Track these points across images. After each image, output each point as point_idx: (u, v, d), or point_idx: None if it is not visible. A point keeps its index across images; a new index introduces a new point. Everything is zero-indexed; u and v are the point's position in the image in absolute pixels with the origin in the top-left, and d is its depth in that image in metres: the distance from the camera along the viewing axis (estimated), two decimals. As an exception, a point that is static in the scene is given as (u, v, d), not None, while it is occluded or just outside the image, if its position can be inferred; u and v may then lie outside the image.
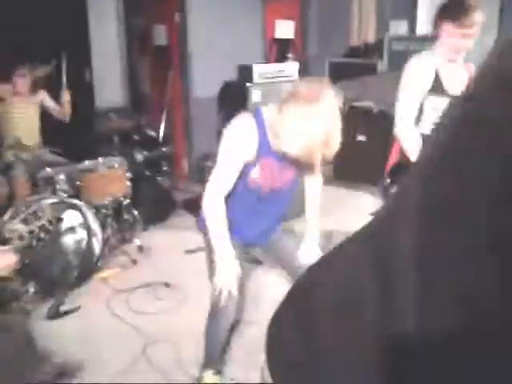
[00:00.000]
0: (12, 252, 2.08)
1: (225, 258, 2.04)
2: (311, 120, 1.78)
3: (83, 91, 4.79)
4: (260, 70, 4.97)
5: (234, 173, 2.04)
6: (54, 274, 3.37)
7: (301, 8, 6.79)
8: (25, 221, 3.18)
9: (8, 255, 2.04)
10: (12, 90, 4.02)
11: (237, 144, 2.01)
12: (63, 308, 3.13)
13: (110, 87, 5.19)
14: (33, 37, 4.17)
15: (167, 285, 3.54)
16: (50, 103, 4.25)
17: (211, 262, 2.19)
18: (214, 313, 2.22)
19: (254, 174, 2.09)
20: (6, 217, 3.30)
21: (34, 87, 4.16)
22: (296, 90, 1.85)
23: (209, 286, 2.28)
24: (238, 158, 2.02)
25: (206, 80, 5.64)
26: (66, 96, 4.20)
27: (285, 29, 6.53)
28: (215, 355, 2.40)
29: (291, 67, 5.26)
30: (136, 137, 4.79)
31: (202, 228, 2.23)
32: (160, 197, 4.79)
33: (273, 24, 6.40)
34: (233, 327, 2.40)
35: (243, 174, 2.08)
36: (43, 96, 4.22)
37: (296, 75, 5.19)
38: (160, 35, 5.90)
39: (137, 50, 5.98)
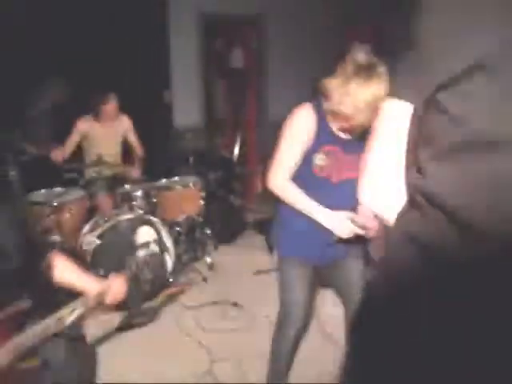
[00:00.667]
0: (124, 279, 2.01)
1: (323, 212, 2.06)
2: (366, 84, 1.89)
3: (162, 112, 4.98)
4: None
5: (295, 157, 2.09)
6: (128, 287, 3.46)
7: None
8: (102, 235, 3.32)
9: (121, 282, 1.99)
10: (93, 119, 4.17)
11: (294, 129, 2.08)
12: (134, 321, 3.21)
13: (187, 109, 5.36)
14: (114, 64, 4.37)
15: (235, 304, 3.54)
16: (132, 138, 4.39)
17: (281, 281, 2.25)
18: (281, 322, 2.27)
19: (319, 160, 2.10)
20: (85, 230, 3.46)
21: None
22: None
23: (276, 308, 2.26)
24: (298, 142, 2.08)
25: (282, 102, 5.68)
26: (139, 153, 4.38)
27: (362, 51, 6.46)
28: (280, 371, 2.37)
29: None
30: (210, 157, 4.90)
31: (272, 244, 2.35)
32: (232, 216, 4.85)
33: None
34: (297, 342, 2.34)
35: (307, 162, 2.10)
36: (128, 126, 4.35)
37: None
38: (237, 58, 6.04)
39: (214, 73, 6.14)
